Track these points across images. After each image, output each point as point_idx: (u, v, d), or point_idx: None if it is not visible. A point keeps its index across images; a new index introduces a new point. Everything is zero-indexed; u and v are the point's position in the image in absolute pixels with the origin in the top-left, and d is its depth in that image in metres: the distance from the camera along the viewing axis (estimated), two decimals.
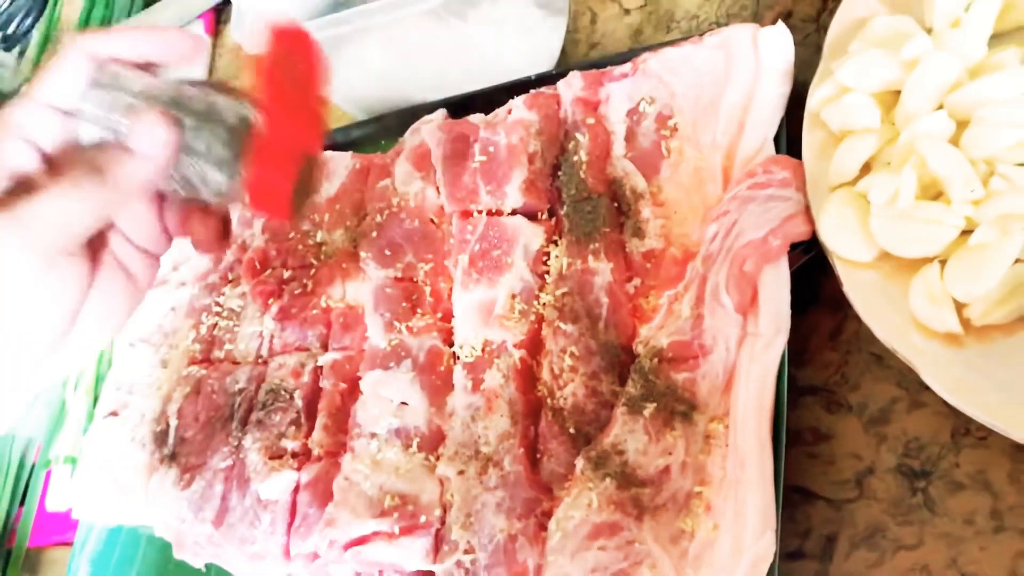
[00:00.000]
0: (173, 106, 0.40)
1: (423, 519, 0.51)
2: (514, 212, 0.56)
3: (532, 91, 0.58)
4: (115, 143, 0.40)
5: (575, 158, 0.55)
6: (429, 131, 0.60)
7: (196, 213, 0.44)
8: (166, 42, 0.42)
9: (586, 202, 0.53)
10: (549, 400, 0.51)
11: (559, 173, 0.56)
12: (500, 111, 0.59)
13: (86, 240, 0.40)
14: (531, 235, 0.55)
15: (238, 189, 0.42)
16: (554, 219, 0.56)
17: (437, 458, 0.53)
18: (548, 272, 0.54)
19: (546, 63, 0.64)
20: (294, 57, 0.43)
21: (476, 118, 0.60)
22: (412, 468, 0.53)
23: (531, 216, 0.56)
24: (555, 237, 0.55)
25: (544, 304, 0.53)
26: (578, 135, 0.55)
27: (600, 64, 0.58)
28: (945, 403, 0.43)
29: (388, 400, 0.56)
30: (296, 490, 0.57)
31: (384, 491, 0.53)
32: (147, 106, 0.40)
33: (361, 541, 0.52)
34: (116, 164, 0.39)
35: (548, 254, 0.55)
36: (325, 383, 0.59)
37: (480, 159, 0.57)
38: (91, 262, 0.41)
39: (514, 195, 0.55)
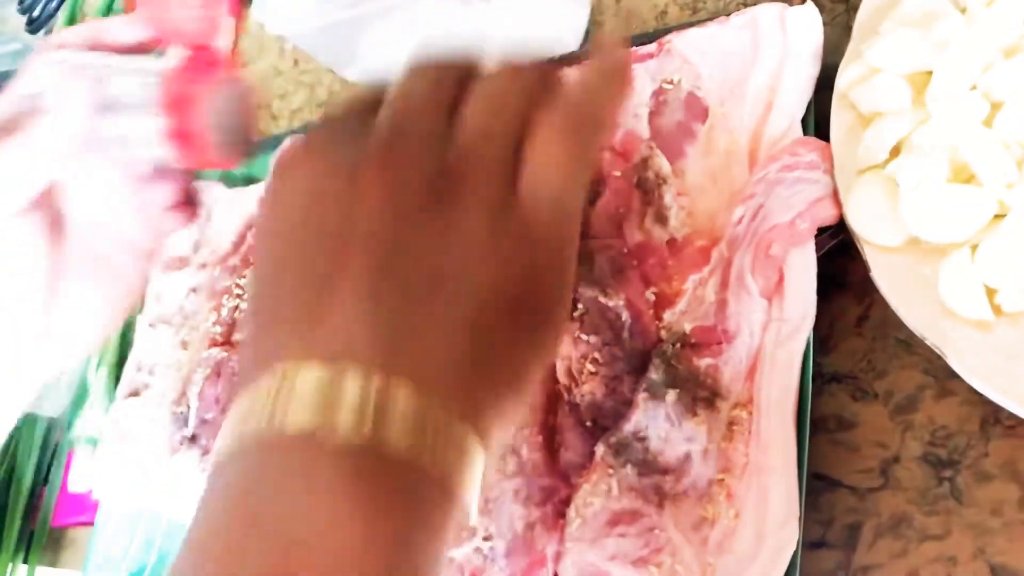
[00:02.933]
0: (100, 69, 0.42)
1: None
2: None
3: None
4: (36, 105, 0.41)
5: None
6: None
7: (158, 181, 0.45)
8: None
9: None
10: (566, 395, 0.51)
11: None
12: None
13: (32, 204, 0.41)
14: None
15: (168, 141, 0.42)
16: None
17: None
18: None
19: (571, 43, 0.64)
20: None
21: None
22: None
23: None
24: None
25: None
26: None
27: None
28: (974, 391, 0.42)
29: None
30: None
31: None
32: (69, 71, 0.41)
33: None
34: (31, 122, 0.40)
35: None
36: None
37: None
38: (50, 236, 0.42)
39: None
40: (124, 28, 0.45)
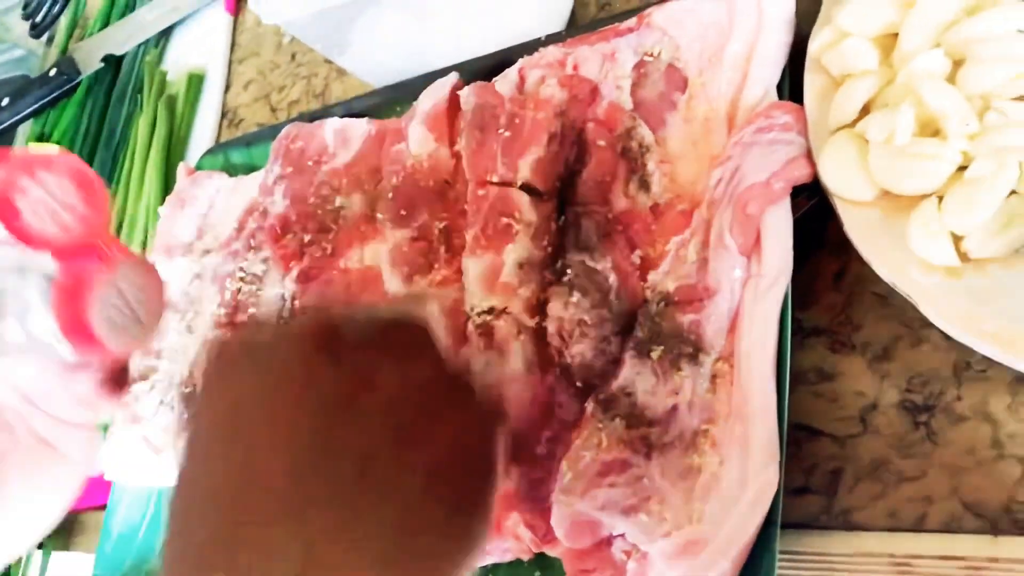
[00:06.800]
0: None
1: None
2: (523, 186, 0.56)
3: (568, 72, 0.59)
4: None
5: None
6: (465, 95, 0.60)
7: (80, 369, 0.45)
8: None
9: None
10: (558, 357, 0.52)
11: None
12: (512, 74, 0.60)
13: None
14: (532, 212, 0.55)
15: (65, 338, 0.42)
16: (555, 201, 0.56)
17: None
18: (550, 249, 0.55)
19: (556, 24, 0.66)
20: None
21: (503, 87, 0.60)
22: None
23: (535, 194, 0.56)
24: (555, 218, 0.56)
25: (550, 280, 0.54)
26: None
27: (608, 23, 0.59)
28: (947, 339, 0.44)
29: None
30: None
31: None
32: None
33: None
34: None
35: (549, 233, 0.55)
36: None
37: (505, 134, 0.57)
38: None
39: (524, 170, 0.55)
40: None
